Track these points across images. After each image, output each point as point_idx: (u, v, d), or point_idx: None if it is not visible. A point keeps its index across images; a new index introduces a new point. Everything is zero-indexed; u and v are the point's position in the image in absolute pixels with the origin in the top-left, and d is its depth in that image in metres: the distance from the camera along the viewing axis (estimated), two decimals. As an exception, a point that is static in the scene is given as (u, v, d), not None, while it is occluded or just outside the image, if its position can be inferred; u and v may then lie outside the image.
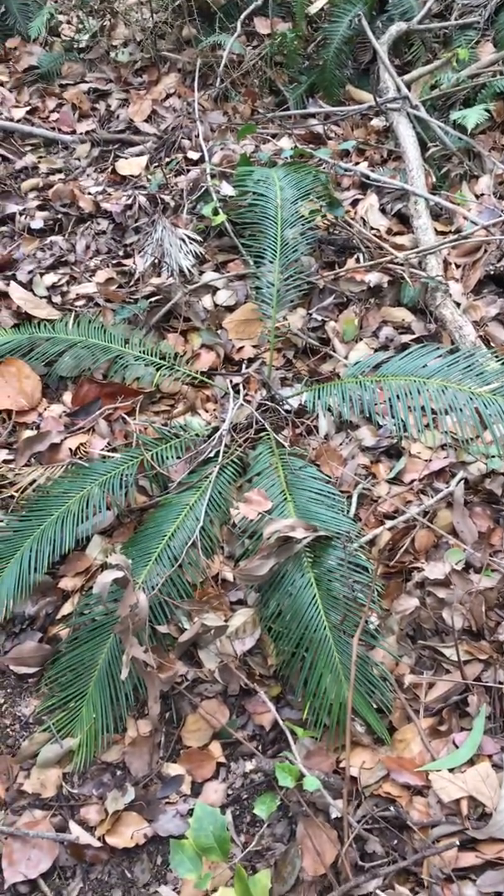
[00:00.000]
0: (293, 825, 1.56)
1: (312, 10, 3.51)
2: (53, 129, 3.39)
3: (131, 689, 1.73)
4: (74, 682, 1.78)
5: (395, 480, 2.09)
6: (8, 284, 2.65)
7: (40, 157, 3.23)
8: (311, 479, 1.98)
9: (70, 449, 2.22)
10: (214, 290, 2.63)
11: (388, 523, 1.94)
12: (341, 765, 1.58)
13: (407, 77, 3.26)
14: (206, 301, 2.60)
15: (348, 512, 1.97)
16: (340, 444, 2.19)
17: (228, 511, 1.95)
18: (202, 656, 1.78)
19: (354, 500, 2.02)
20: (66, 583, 1.97)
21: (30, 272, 2.72)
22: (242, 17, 3.47)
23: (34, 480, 2.12)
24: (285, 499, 1.91)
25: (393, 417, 2.03)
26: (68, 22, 3.88)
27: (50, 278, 2.71)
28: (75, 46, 3.74)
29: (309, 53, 3.49)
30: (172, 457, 2.10)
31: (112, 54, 3.71)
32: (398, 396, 1.99)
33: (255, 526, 1.87)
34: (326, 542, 1.80)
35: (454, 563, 1.82)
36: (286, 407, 2.22)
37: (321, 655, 1.67)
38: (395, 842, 1.50)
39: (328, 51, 3.38)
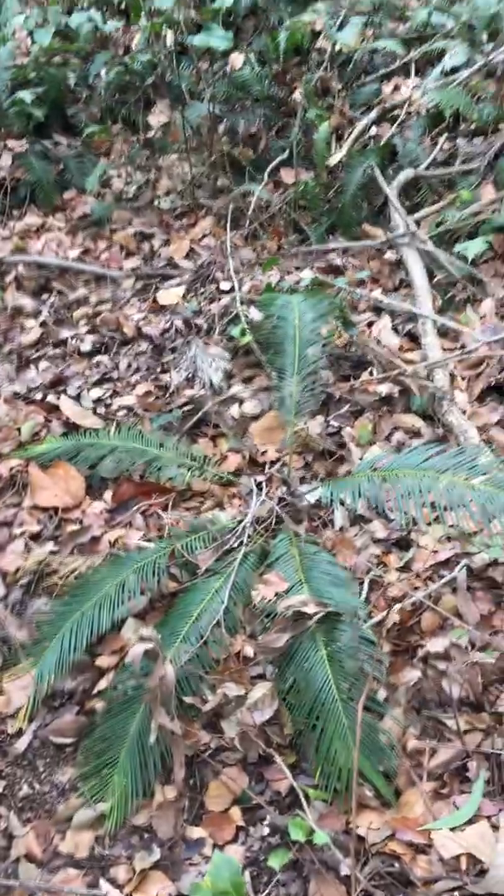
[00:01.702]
0: (306, 883, 1.66)
1: (332, 161, 3.97)
2: (103, 266, 3.83)
3: (159, 757, 1.87)
4: (107, 751, 1.92)
5: (405, 569, 2.27)
6: (59, 398, 2.99)
7: (91, 290, 3.66)
8: (325, 563, 2.17)
9: (109, 541, 2.46)
10: (241, 400, 2.93)
11: (397, 606, 2.11)
12: (350, 825, 1.70)
13: (415, 216, 3.65)
14: (234, 410, 2.90)
15: (360, 595, 2.15)
16: (355, 536, 2.39)
17: (250, 594, 2.15)
18: (224, 726, 1.94)
19: (366, 585, 2.20)
20: (103, 661, 2.15)
21: (78, 387, 3.07)
22: (269, 168, 3.94)
23: (76, 569, 2.35)
24: (301, 581, 2.10)
25: (399, 511, 2.23)
26: (118, 175, 4.43)
27: (96, 392, 3.05)
28: (124, 196, 4.26)
29: (329, 198, 3.92)
30: (200, 547, 2.31)
31: (156, 202, 4.21)
32: (402, 496, 2.15)
33: (273, 606, 2.05)
34: (337, 619, 1.97)
35: (455, 638, 1.97)
36: (304, 502, 2.45)
37: (331, 725, 1.81)
38: (400, 896, 1.60)
39: (345, 196, 3.80)
